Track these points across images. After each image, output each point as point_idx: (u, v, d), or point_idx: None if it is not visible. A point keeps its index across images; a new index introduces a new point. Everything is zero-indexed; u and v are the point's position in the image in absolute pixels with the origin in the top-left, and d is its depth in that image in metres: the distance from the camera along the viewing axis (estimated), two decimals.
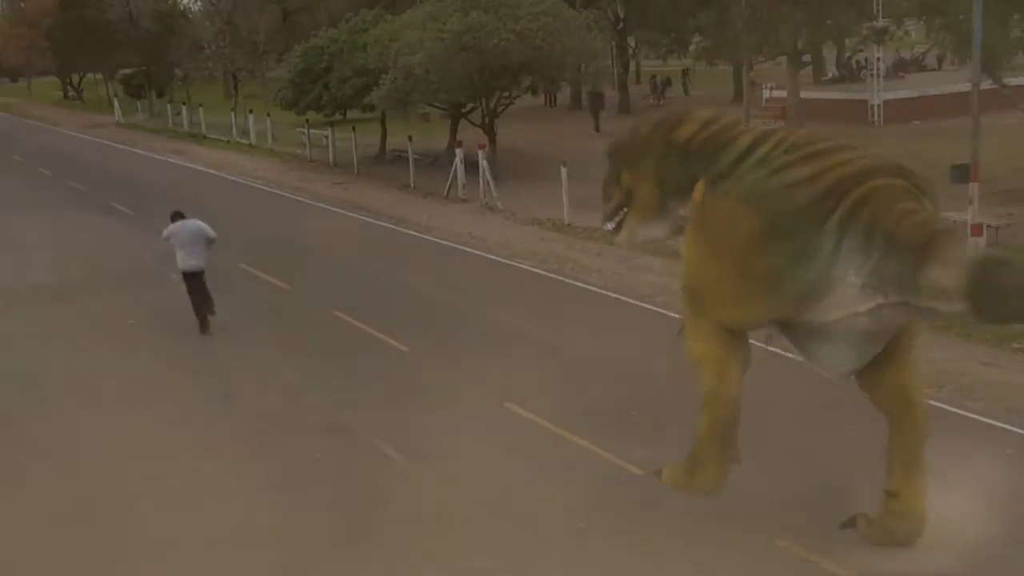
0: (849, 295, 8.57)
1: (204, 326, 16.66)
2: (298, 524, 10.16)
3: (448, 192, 28.28)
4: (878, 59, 36.65)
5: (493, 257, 21.41)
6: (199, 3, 74.65)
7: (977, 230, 15.51)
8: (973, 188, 15.91)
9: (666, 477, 9.97)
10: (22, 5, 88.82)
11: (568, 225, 23.67)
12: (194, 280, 16.60)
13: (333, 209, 28.49)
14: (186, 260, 16.52)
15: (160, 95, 63.74)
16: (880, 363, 9.11)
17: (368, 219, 26.61)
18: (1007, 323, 9.47)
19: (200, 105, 51.87)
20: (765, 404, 12.32)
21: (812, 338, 9.20)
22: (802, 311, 8.90)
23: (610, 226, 10.75)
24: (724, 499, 10.08)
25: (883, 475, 9.23)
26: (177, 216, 16.83)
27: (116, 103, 62.77)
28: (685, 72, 53.40)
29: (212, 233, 16.70)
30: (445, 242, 23.17)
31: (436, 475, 11.08)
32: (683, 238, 9.82)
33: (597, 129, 38.40)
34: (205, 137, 47.41)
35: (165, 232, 16.84)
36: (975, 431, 11.72)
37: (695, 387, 9.67)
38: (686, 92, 52.10)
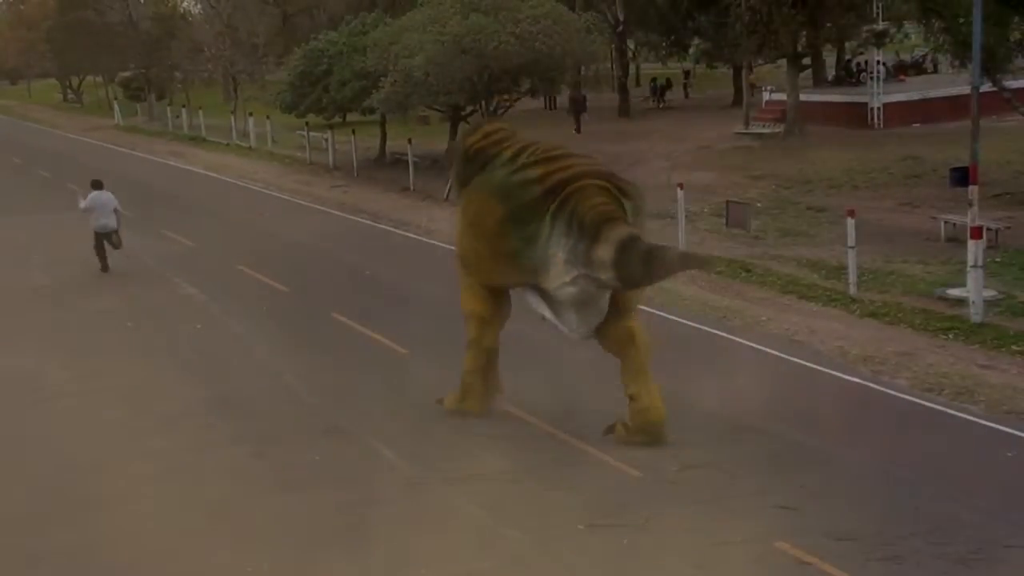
0: (559, 269, 11.32)
1: (104, 268, 21.84)
2: (297, 526, 10.16)
3: (448, 195, 28.16)
4: (878, 62, 36.62)
5: None
6: (199, 6, 74.64)
7: (977, 233, 15.48)
8: (973, 191, 15.89)
9: (446, 403, 12.82)
10: (22, 7, 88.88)
11: None
12: (107, 237, 21.55)
13: (332, 212, 28.48)
14: (100, 221, 21.48)
15: (160, 98, 63.77)
16: (607, 324, 11.75)
17: (367, 221, 26.60)
18: (636, 287, 11.69)
19: (200, 108, 51.91)
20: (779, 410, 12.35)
21: (553, 305, 11.81)
22: (535, 280, 11.67)
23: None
24: (724, 499, 10.11)
25: (624, 387, 11.68)
26: (97, 185, 21.88)
27: (116, 106, 62.83)
28: (686, 75, 53.40)
29: (118, 206, 21.83)
30: (445, 245, 23.10)
31: (435, 478, 11.06)
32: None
33: (578, 130, 39.87)
34: (205, 140, 47.43)
35: (84, 203, 21.61)
36: (975, 433, 11.72)
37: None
38: (686, 95, 52.12)
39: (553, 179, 11.45)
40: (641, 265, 10.91)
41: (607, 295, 11.57)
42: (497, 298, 12.40)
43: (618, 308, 11.71)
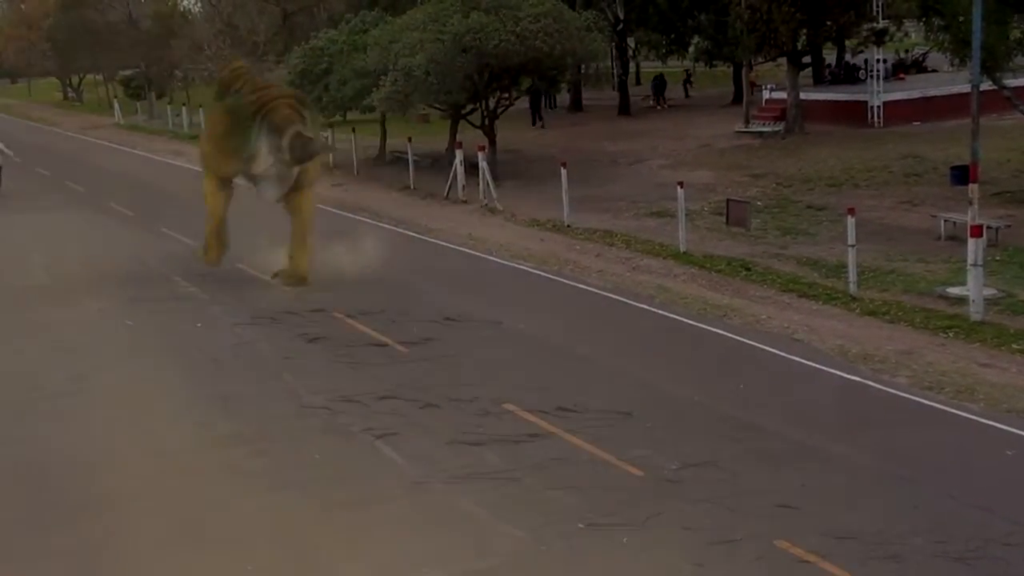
0: (264, 157, 18.87)
1: None
2: (298, 525, 10.17)
3: (448, 193, 28.27)
4: (878, 60, 36.63)
5: (494, 258, 21.41)
6: (199, 5, 74.61)
7: (977, 231, 15.49)
8: (973, 189, 15.90)
9: (195, 255, 20.73)
10: (22, 6, 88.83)
11: (568, 226, 23.67)
12: None
13: (332, 211, 28.41)
14: None
15: (160, 96, 63.70)
16: (291, 192, 19.48)
17: (368, 220, 26.58)
18: (300, 163, 19.02)
19: (200, 106, 51.81)
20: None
21: (258, 182, 19.52)
22: (248, 167, 19.21)
23: None
24: (724, 498, 10.11)
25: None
26: None
27: (116, 104, 62.79)
28: (687, 74, 53.40)
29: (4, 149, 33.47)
30: (445, 243, 23.17)
31: (435, 476, 11.07)
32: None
33: (533, 123, 43.78)
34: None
35: None
36: (975, 432, 11.72)
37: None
38: (686, 95, 52.10)
39: (260, 100, 19.12)
40: (302, 149, 18.74)
41: (295, 171, 19.02)
42: (224, 184, 20.15)
43: (299, 183, 19.41)
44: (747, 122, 37.95)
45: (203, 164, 20.62)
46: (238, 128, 19.01)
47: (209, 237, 20.25)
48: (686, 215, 21.09)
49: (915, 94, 36.98)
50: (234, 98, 19.62)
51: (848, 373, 13.68)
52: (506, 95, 32.51)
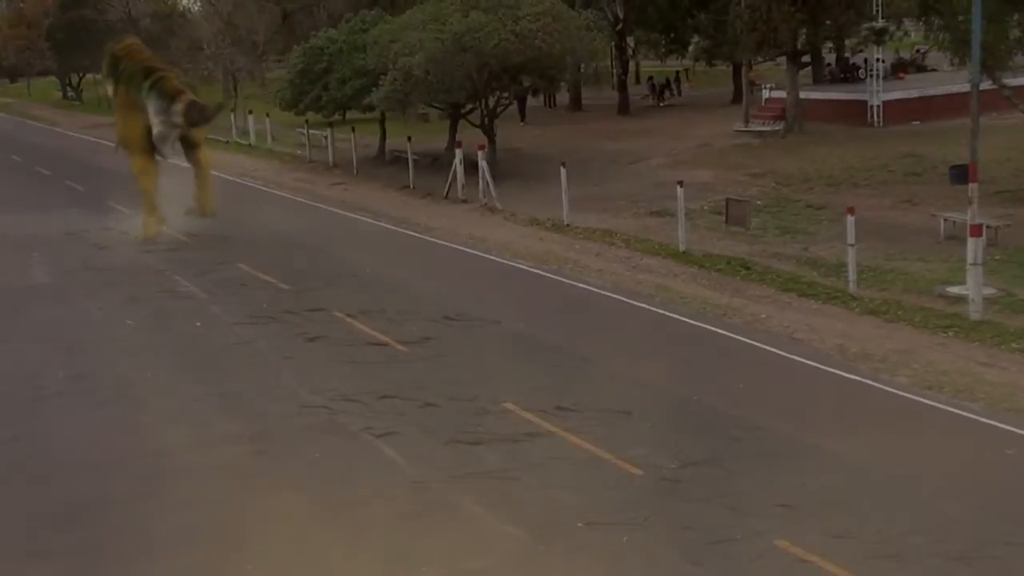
0: (156, 118, 24.32)
1: None
2: (298, 524, 10.17)
3: (448, 192, 28.26)
4: (877, 59, 36.62)
5: (493, 258, 21.40)
6: (198, 4, 74.57)
7: (976, 230, 15.49)
8: (972, 189, 15.90)
9: (135, 239, 24.04)
10: (21, 5, 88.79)
11: (567, 225, 23.67)
12: None
13: (332, 210, 28.47)
14: None
15: None
16: (187, 149, 25.48)
17: (368, 219, 26.60)
18: (195, 126, 24.71)
19: None
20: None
21: (162, 147, 24.83)
22: (148, 123, 24.50)
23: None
24: (723, 497, 10.11)
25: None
26: None
27: None
28: (678, 74, 53.44)
29: None
30: (445, 243, 23.16)
31: (435, 475, 11.07)
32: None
33: (522, 120, 44.83)
34: (204, 137, 47.19)
35: None
36: (975, 431, 11.72)
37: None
38: (679, 92, 52.08)
39: (147, 70, 24.45)
40: (199, 113, 24.19)
41: (177, 133, 24.31)
42: (147, 158, 24.90)
43: (190, 143, 25.07)
44: (746, 121, 37.94)
45: (123, 145, 25.66)
46: (132, 94, 24.67)
47: (146, 203, 24.93)
48: (686, 214, 21.08)
49: (914, 93, 36.97)
50: (130, 72, 24.92)
51: (848, 372, 13.68)
52: (506, 94, 32.49)
